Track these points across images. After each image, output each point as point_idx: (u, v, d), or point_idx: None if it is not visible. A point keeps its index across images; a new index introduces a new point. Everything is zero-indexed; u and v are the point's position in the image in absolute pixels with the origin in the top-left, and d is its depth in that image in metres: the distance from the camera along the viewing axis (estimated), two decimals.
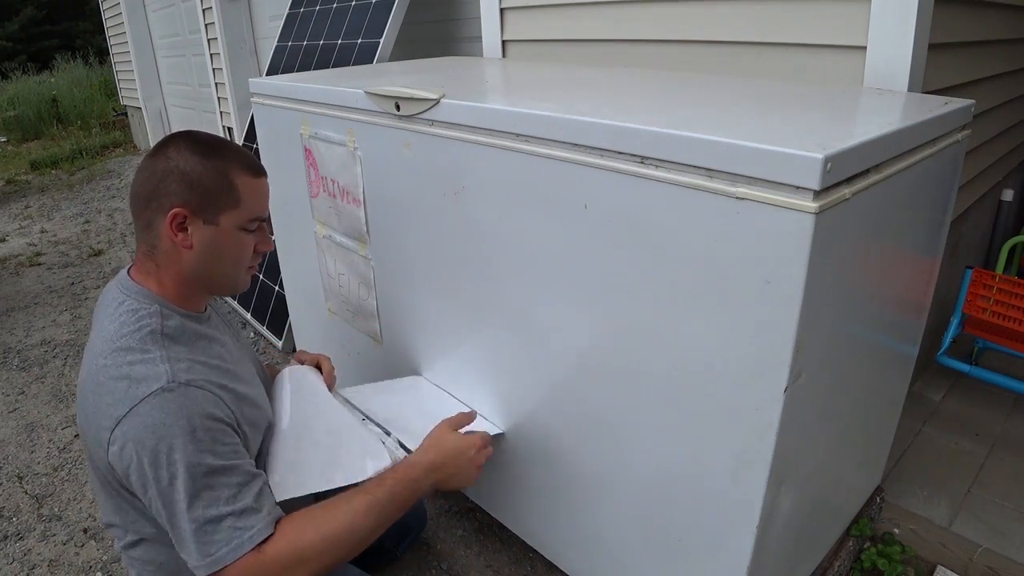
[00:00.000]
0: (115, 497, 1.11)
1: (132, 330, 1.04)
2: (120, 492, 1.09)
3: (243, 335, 1.36)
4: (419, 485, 1.13)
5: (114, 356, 1.02)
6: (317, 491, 1.18)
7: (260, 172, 1.14)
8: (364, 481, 1.12)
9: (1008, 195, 2.59)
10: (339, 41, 2.69)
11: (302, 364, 1.46)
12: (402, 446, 1.28)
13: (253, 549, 0.98)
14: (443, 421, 1.24)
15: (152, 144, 7.01)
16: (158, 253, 1.10)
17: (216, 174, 1.07)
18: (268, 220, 1.18)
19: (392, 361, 1.72)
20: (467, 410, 1.31)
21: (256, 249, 1.16)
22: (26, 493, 2.04)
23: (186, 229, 1.07)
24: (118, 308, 1.08)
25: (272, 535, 0.99)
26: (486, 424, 1.38)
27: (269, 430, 1.24)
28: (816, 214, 0.80)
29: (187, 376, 1.01)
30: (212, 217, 1.08)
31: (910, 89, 1.39)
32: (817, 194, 0.80)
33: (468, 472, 1.20)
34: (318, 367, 1.48)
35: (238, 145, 1.16)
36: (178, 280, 1.11)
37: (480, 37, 2.41)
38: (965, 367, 2.00)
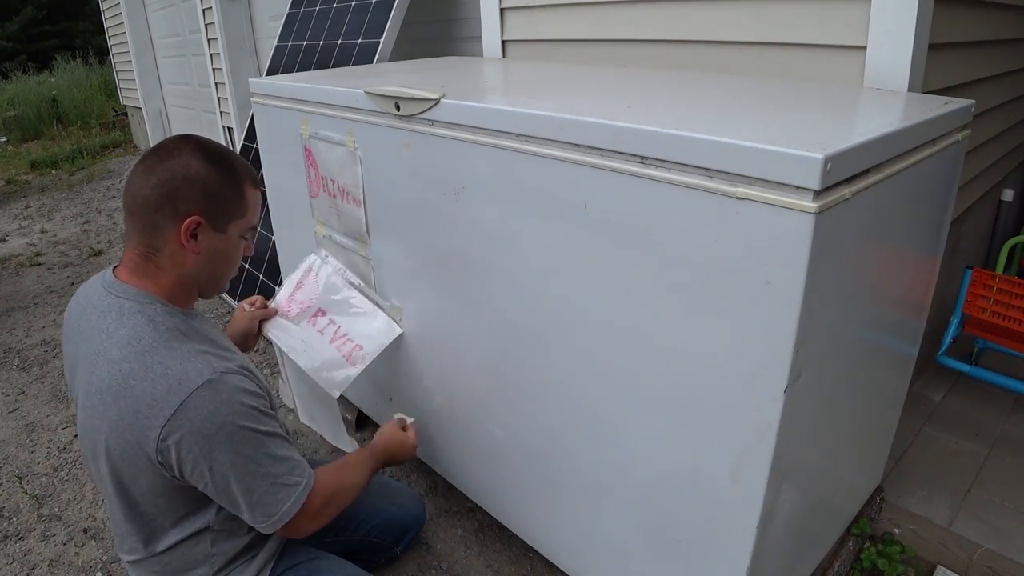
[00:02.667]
0: (128, 503, 1.13)
1: (149, 331, 1.06)
2: (138, 495, 1.11)
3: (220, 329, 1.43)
4: (385, 460, 1.46)
5: (140, 359, 1.04)
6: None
7: (259, 183, 1.22)
8: (360, 451, 1.43)
9: (1008, 195, 2.59)
10: (339, 41, 2.69)
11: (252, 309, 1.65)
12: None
13: (312, 489, 1.16)
14: (389, 423, 1.55)
15: (152, 144, 7.03)
16: (161, 256, 1.11)
17: (232, 185, 1.12)
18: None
19: (391, 360, 1.73)
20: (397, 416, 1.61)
21: (243, 254, 1.22)
22: (26, 493, 2.04)
23: (197, 236, 1.09)
24: (121, 312, 1.08)
25: (315, 484, 1.18)
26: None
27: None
28: (816, 214, 0.80)
29: (223, 365, 1.06)
30: (222, 225, 1.12)
31: (910, 89, 1.39)
32: (817, 194, 0.80)
33: (409, 451, 1.51)
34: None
35: (238, 154, 1.21)
36: (177, 282, 1.13)
37: (480, 37, 2.41)
38: (965, 367, 2.00)
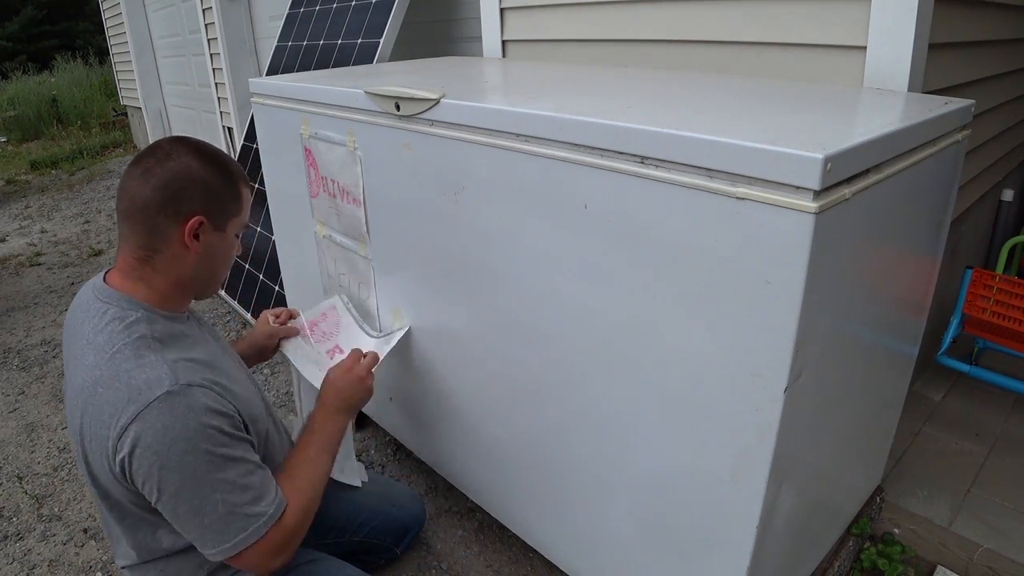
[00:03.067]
0: (116, 509, 1.12)
1: (123, 338, 1.05)
2: (120, 503, 1.10)
3: (218, 331, 1.39)
4: (337, 415, 1.33)
5: (109, 365, 1.03)
6: None
7: (250, 183, 1.21)
8: (299, 437, 1.30)
9: (1008, 195, 2.59)
10: (339, 41, 2.69)
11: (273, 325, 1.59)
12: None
13: (274, 524, 1.09)
14: (328, 369, 1.41)
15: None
16: (159, 258, 1.10)
17: (230, 184, 1.12)
18: None
19: (391, 360, 1.73)
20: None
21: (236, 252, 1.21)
22: (26, 493, 2.04)
23: (199, 236, 1.09)
24: (103, 318, 1.08)
25: (286, 507, 1.12)
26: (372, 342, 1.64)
27: (267, 418, 1.26)
28: (816, 214, 0.80)
29: (188, 377, 1.03)
30: (223, 223, 1.12)
31: (910, 89, 1.39)
32: (817, 194, 0.80)
33: (361, 387, 1.38)
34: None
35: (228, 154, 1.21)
36: (174, 284, 1.12)
37: (480, 37, 2.41)
38: (965, 367, 2.00)
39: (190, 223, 1.08)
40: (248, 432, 1.12)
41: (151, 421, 0.98)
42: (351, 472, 1.59)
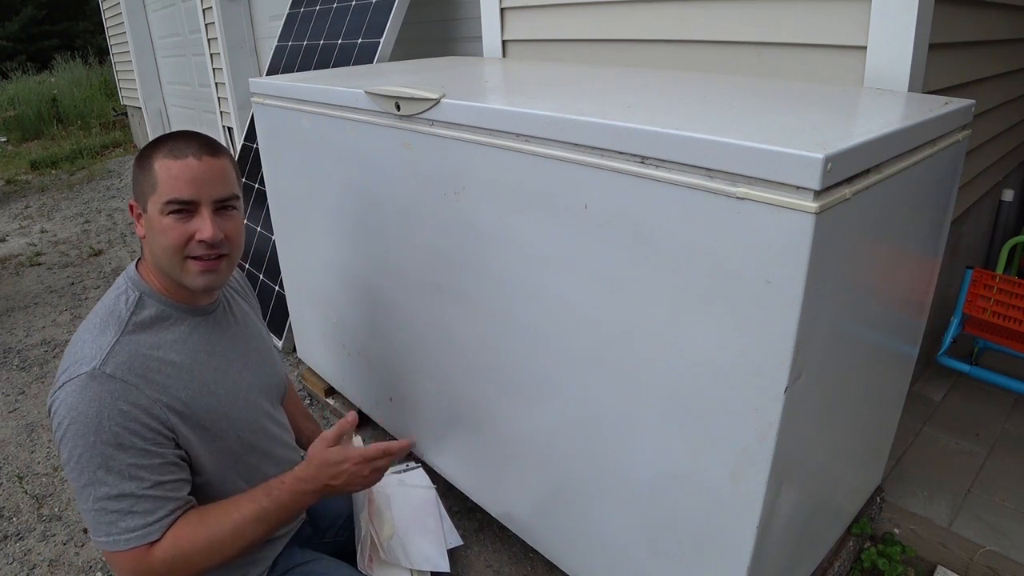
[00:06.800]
0: None
1: (106, 312, 1.11)
2: None
3: (253, 355, 1.29)
4: (304, 496, 1.16)
5: (80, 333, 1.09)
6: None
7: (181, 155, 1.09)
8: (252, 491, 1.15)
9: (1008, 195, 2.59)
10: (339, 41, 2.69)
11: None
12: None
13: (142, 546, 1.03)
14: (320, 435, 1.21)
15: None
16: (143, 244, 1.17)
17: (144, 162, 1.12)
18: (229, 205, 1.14)
19: (391, 360, 1.73)
20: (351, 430, 1.26)
21: (195, 237, 1.09)
22: (26, 493, 2.04)
23: (140, 219, 1.14)
24: (113, 289, 1.16)
25: (160, 539, 1.04)
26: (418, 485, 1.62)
27: (249, 442, 1.22)
28: (816, 214, 0.80)
29: (113, 368, 1.04)
30: (144, 204, 1.13)
31: (910, 89, 1.39)
32: (817, 194, 0.80)
33: (354, 481, 1.19)
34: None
35: (192, 133, 1.15)
36: (151, 270, 1.16)
37: (480, 37, 2.41)
38: (965, 367, 2.00)
39: (131, 208, 1.16)
40: (173, 445, 1.08)
41: (65, 395, 1.02)
42: (439, 558, 1.50)
